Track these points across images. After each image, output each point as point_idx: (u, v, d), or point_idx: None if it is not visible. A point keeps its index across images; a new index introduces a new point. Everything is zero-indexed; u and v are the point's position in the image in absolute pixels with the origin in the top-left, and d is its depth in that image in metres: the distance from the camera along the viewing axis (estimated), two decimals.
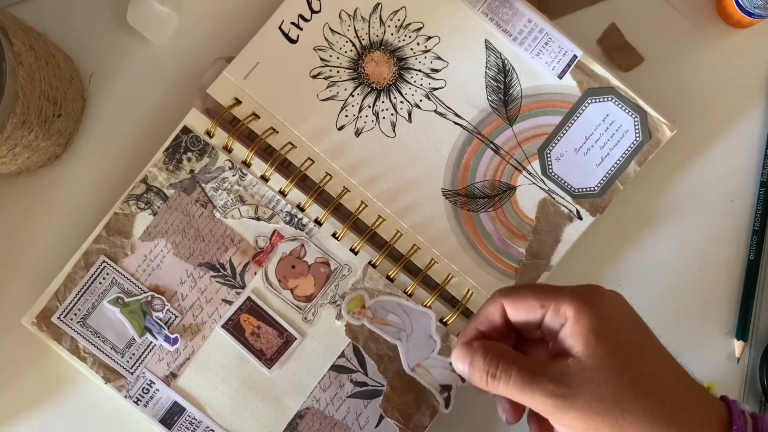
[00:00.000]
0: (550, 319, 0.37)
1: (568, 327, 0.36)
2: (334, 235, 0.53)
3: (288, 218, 0.53)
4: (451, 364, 0.39)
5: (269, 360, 0.53)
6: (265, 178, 0.53)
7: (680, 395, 0.36)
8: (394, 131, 0.54)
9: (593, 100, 0.54)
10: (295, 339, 0.53)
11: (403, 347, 0.50)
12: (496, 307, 0.39)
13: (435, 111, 0.54)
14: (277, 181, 0.53)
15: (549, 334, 0.38)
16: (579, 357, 0.35)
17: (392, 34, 0.54)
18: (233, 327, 0.53)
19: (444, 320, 0.53)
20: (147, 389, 0.52)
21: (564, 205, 0.54)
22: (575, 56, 0.54)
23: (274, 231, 0.53)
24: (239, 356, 0.53)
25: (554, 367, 0.35)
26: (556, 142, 0.54)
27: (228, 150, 0.53)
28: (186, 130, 0.52)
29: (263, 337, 0.53)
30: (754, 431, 0.36)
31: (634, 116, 0.54)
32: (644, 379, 0.35)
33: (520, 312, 0.38)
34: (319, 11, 0.54)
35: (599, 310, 0.36)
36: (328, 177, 0.53)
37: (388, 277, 0.53)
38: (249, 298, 0.53)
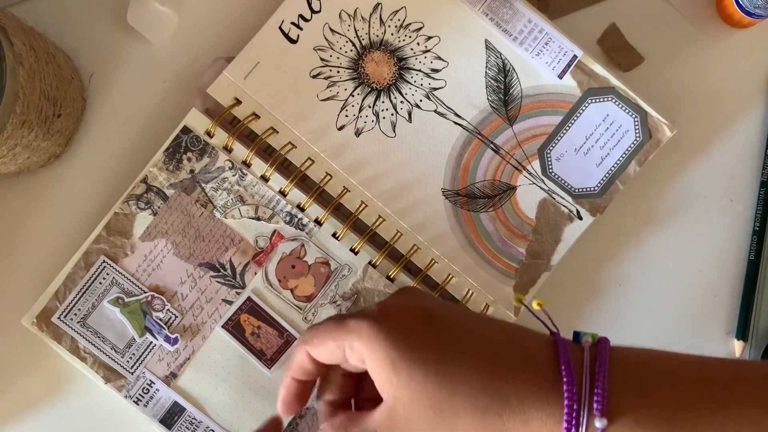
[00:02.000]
0: (352, 357, 0.35)
1: (368, 365, 0.34)
2: (334, 235, 0.53)
3: (288, 218, 0.53)
4: None
5: (269, 360, 0.53)
6: (265, 178, 0.53)
7: (495, 364, 0.34)
8: (394, 131, 0.54)
9: (593, 100, 0.54)
10: (295, 339, 0.53)
11: None
12: (302, 355, 0.37)
13: (435, 111, 0.54)
14: (277, 181, 0.53)
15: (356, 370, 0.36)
16: (388, 399, 0.34)
17: (392, 34, 0.54)
18: (233, 327, 0.53)
19: None
20: (147, 389, 0.52)
21: (564, 205, 0.54)
22: (575, 56, 0.54)
23: (274, 231, 0.53)
24: (239, 356, 0.53)
25: (365, 424, 0.35)
26: (557, 142, 0.54)
27: (228, 150, 0.53)
28: (186, 130, 0.52)
29: (263, 337, 0.53)
30: (598, 365, 0.34)
31: (634, 116, 0.54)
32: (452, 375, 0.33)
33: (324, 357, 0.36)
34: (319, 11, 0.54)
35: (388, 334, 0.33)
36: (328, 177, 0.53)
37: (388, 277, 0.53)
38: (249, 298, 0.53)
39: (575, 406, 0.33)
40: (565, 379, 0.33)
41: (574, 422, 0.33)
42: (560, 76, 0.54)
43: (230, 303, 0.53)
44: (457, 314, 0.36)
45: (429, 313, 0.35)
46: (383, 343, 0.33)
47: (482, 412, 0.33)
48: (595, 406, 0.33)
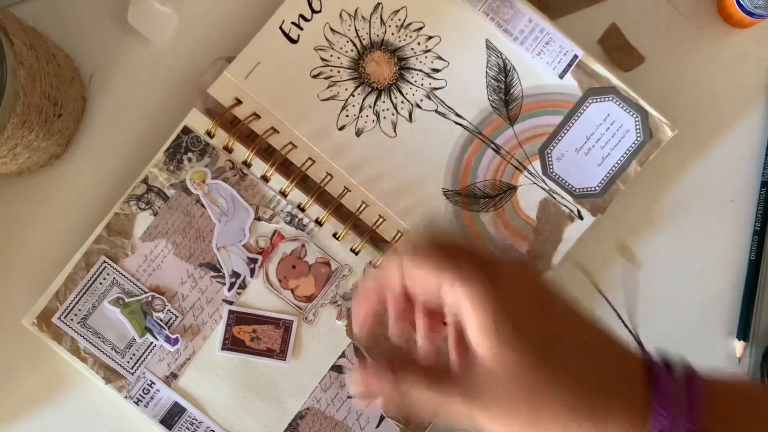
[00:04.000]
0: (449, 297, 0.34)
1: (467, 316, 0.33)
2: (334, 235, 0.53)
3: (289, 218, 0.53)
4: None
5: (281, 353, 0.53)
6: (265, 179, 0.53)
7: (597, 371, 0.33)
8: (394, 131, 0.54)
9: (594, 100, 0.54)
10: (292, 321, 0.52)
11: (218, 228, 0.52)
12: (395, 270, 0.35)
13: (436, 111, 0.54)
14: (278, 181, 0.53)
15: (446, 306, 0.35)
16: (483, 359, 0.33)
17: (393, 34, 0.54)
18: (232, 344, 0.52)
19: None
20: (147, 390, 0.52)
21: (565, 205, 0.54)
22: (576, 56, 0.54)
23: (275, 231, 0.53)
24: (240, 357, 0.53)
25: (464, 378, 0.34)
26: (557, 141, 0.54)
27: (228, 150, 0.53)
28: (186, 131, 0.52)
29: (264, 337, 0.53)
30: (690, 399, 0.33)
31: (635, 116, 0.54)
32: (553, 367, 0.33)
33: (418, 283, 0.35)
34: (320, 11, 0.54)
35: (497, 293, 0.32)
36: (329, 177, 0.53)
37: None
38: (231, 311, 0.52)
39: None
40: (660, 411, 0.32)
41: None
42: (561, 76, 0.54)
43: (231, 303, 0.53)
44: (567, 306, 0.35)
45: (545, 295, 0.34)
46: (494, 309, 0.32)
47: (570, 410, 0.32)
48: None
